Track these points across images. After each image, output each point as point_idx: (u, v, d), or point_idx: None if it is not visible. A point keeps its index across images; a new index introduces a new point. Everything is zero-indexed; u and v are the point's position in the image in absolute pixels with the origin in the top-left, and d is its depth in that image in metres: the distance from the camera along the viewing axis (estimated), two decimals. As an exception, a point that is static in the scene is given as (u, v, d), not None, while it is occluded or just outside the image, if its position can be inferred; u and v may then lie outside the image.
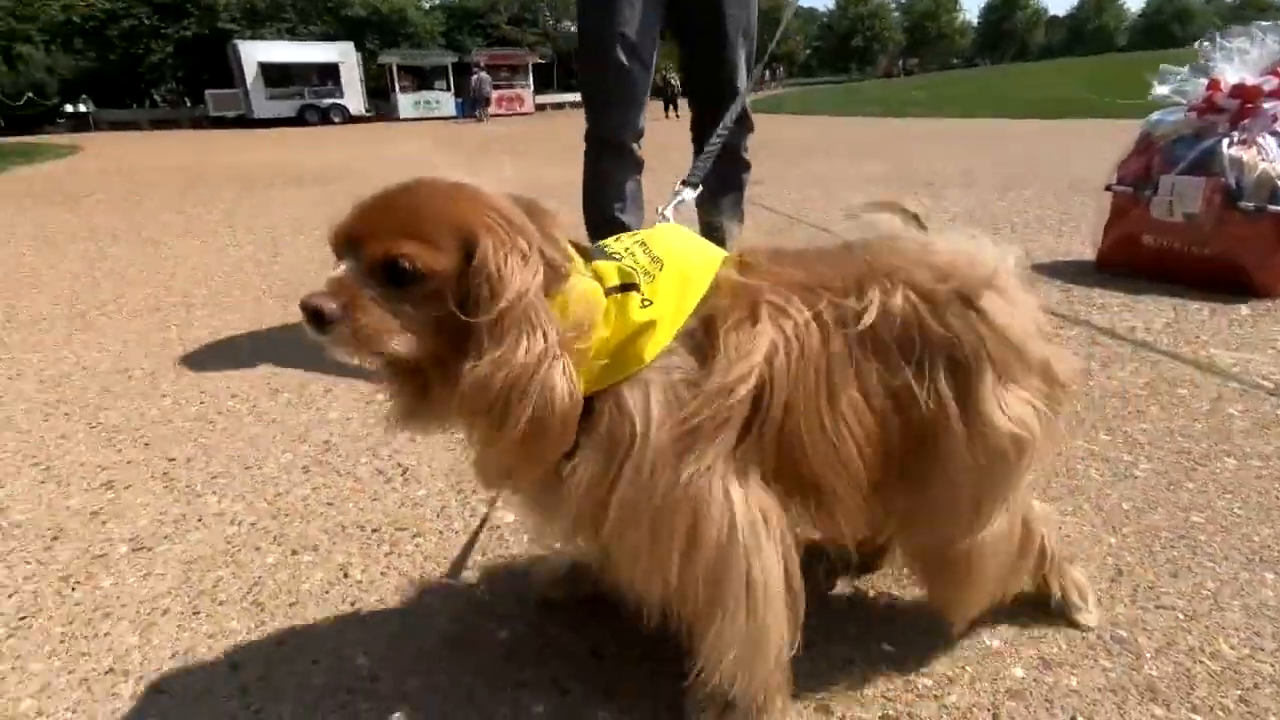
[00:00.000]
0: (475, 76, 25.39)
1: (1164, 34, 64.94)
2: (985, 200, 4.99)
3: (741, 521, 0.82)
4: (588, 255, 0.88)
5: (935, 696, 0.98)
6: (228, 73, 27.54)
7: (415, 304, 0.76)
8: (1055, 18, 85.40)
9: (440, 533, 1.37)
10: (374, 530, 1.39)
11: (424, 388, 0.83)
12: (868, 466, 0.87)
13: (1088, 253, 3.29)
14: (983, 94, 20.63)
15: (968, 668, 1.03)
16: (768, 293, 0.85)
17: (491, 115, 25.68)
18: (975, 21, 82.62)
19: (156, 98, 31.89)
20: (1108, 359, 2.15)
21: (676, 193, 1.30)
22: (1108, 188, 3.07)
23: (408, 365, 0.81)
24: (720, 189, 2.51)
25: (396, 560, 1.30)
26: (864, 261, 0.88)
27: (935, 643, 1.07)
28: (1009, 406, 0.86)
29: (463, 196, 0.79)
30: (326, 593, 1.22)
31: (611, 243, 0.93)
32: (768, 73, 57.62)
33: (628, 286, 0.85)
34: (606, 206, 2.28)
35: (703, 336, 0.84)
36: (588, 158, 2.33)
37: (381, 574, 1.27)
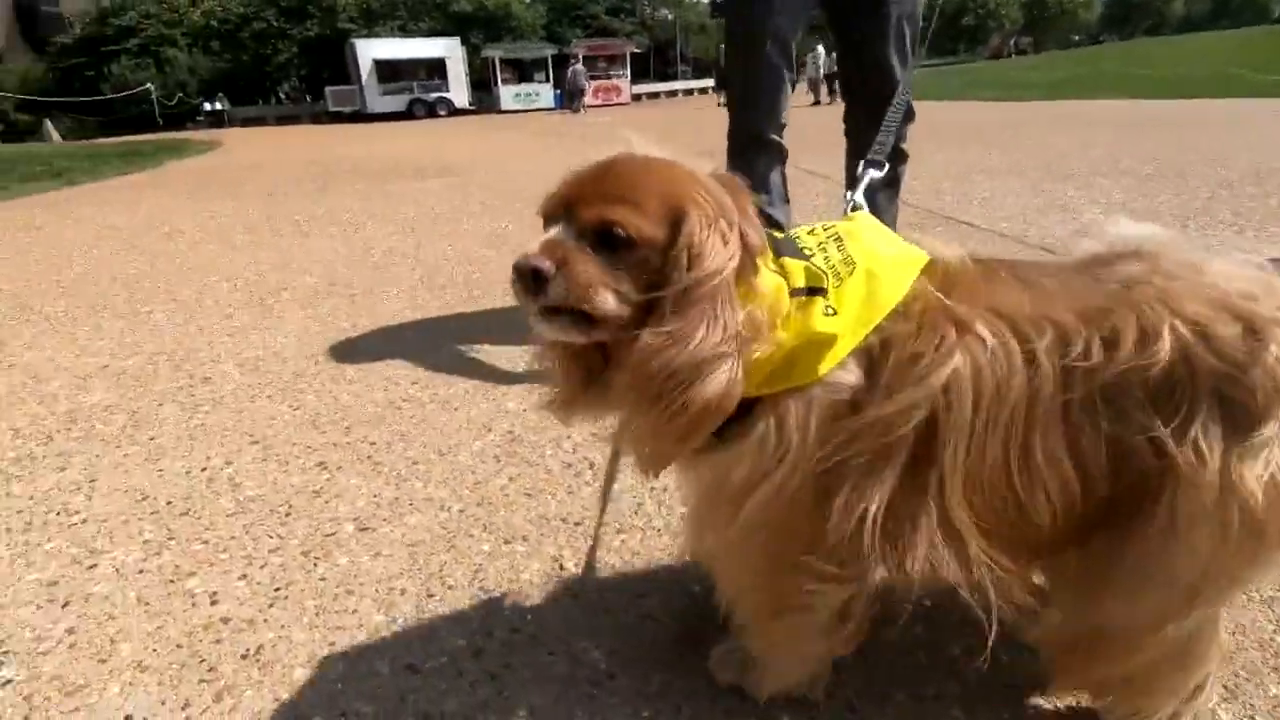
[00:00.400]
0: (571, 69, 25.77)
1: (1330, 1, 57.81)
2: (1143, 191, 4.59)
3: None
4: (777, 248, 0.84)
5: (1224, 746, 0.90)
6: (344, 70, 29.16)
7: (625, 269, 0.77)
8: (1197, -13, 77.60)
9: (643, 530, 1.39)
10: (576, 524, 1.42)
11: (590, 371, 0.83)
12: (1054, 526, 0.77)
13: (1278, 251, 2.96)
14: (1109, 73, 19.06)
15: (1257, 717, 0.94)
16: (969, 317, 0.76)
17: (589, 106, 25.97)
18: (1103, -6, 76.30)
19: (281, 95, 34.19)
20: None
21: (860, 175, 1.23)
22: (1317, 179, 2.75)
23: (579, 349, 0.83)
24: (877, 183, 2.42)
25: (605, 555, 1.33)
26: (1113, 289, 0.75)
27: (1210, 685, 0.99)
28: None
29: (675, 171, 0.80)
30: (546, 583, 1.26)
31: (805, 234, 0.88)
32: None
33: (815, 290, 0.80)
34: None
35: (879, 355, 0.77)
36: (732, 151, 2.30)
37: (592, 567, 1.30)
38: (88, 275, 3.66)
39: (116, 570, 1.34)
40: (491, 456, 1.70)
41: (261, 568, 1.33)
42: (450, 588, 1.26)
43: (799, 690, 0.97)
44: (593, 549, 1.33)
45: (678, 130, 11.64)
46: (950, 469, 0.75)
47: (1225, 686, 0.99)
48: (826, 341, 0.78)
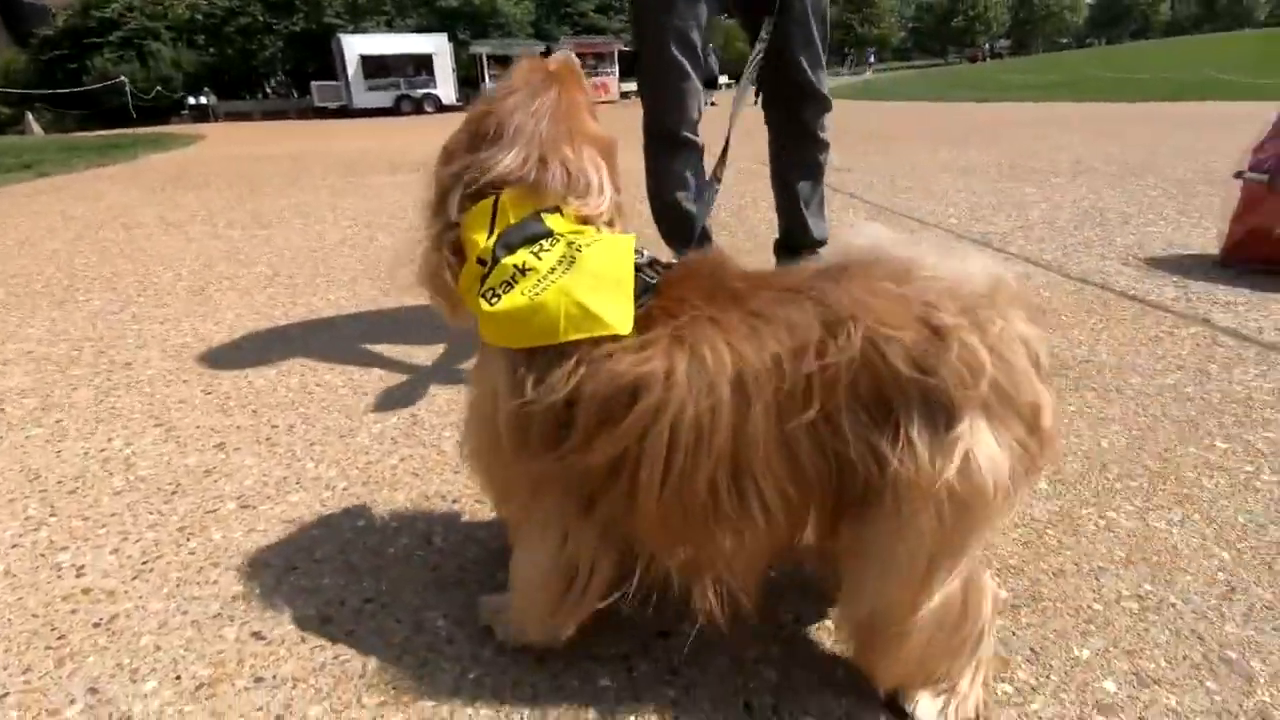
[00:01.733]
0: None
1: (1314, 6, 58.46)
2: (1096, 189, 4.66)
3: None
4: (520, 228, 0.93)
5: (1016, 705, 0.94)
6: (330, 65, 29.03)
7: None
8: (1184, -9, 78.28)
9: (517, 507, 1.42)
10: (454, 501, 1.45)
11: None
12: (787, 528, 0.85)
13: (1211, 247, 3.02)
14: (1094, 77, 19.22)
15: (1052, 676, 0.97)
16: (681, 348, 0.82)
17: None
18: (1090, -3, 76.86)
19: (267, 89, 34.00)
20: (1229, 361, 1.97)
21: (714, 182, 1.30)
22: (1238, 175, 2.81)
23: None
24: (797, 172, 2.45)
25: (477, 530, 1.35)
26: (820, 304, 0.81)
27: (1017, 650, 1.02)
28: (982, 452, 0.76)
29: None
30: (409, 558, 1.28)
31: (567, 232, 0.93)
32: (872, 56, 55.50)
33: (481, 261, 0.93)
34: (669, 196, 2.28)
35: (571, 369, 0.85)
36: (646, 151, 2.33)
37: (461, 543, 1.32)
38: (33, 265, 3.66)
39: (-10, 545, 1.35)
40: (389, 438, 1.72)
41: (135, 543, 1.35)
42: (316, 561, 1.28)
43: (544, 639, 1.00)
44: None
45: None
46: (645, 496, 0.83)
47: (1031, 649, 1.02)
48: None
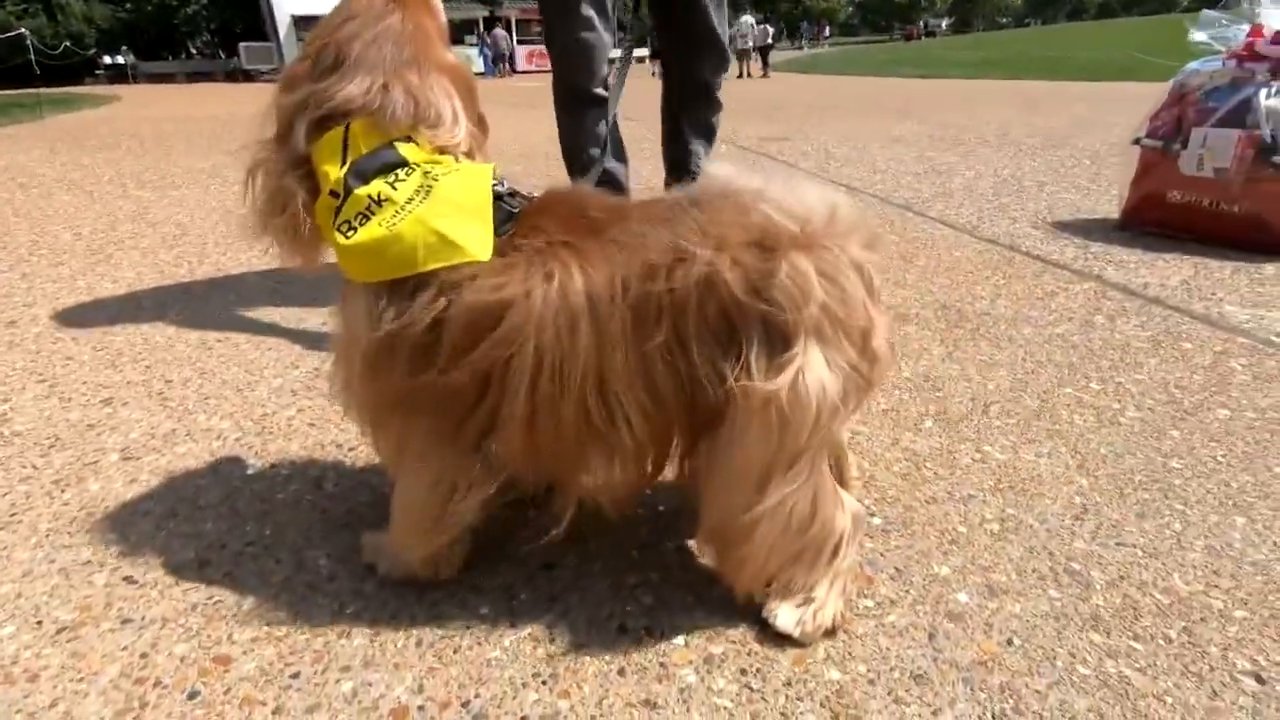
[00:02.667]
0: (492, 33, 25.28)
1: (1233, -7, 61.25)
2: (1016, 159, 4.82)
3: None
4: (365, 158, 0.91)
5: (875, 616, 0.98)
6: (262, 25, 27.51)
7: None
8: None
9: (414, 453, 1.40)
10: (350, 449, 1.43)
11: None
12: (650, 442, 0.89)
13: (1114, 212, 3.17)
14: (1028, 55, 19.77)
15: (911, 591, 1.03)
16: (545, 266, 0.84)
17: (522, 71, 25.39)
18: (1029, -21, 78.71)
19: (192, 50, 32.10)
20: (1114, 313, 2.08)
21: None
22: (1135, 141, 2.94)
23: None
24: (693, 131, 2.43)
25: (370, 476, 1.34)
26: (683, 230, 0.84)
27: (883, 569, 1.07)
28: (810, 372, 0.80)
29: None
30: (298, 502, 1.26)
31: (422, 155, 0.92)
32: (826, 29, 55.65)
33: (334, 193, 0.90)
34: (581, 152, 2.25)
35: (439, 291, 0.85)
36: (556, 107, 2.29)
37: (353, 488, 1.31)
38: (-84, 223, 3.40)
39: None
40: (289, 391, 1.68)
41: (3, 497, 1.29)
42: (199, 508, 1.25)
43: (425, 571, 1.02)
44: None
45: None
46: (508, 416, 0.85)
47: (896, 568, 1.08)
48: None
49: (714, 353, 0.82)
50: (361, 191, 0.88)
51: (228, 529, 1.19)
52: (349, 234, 0.88)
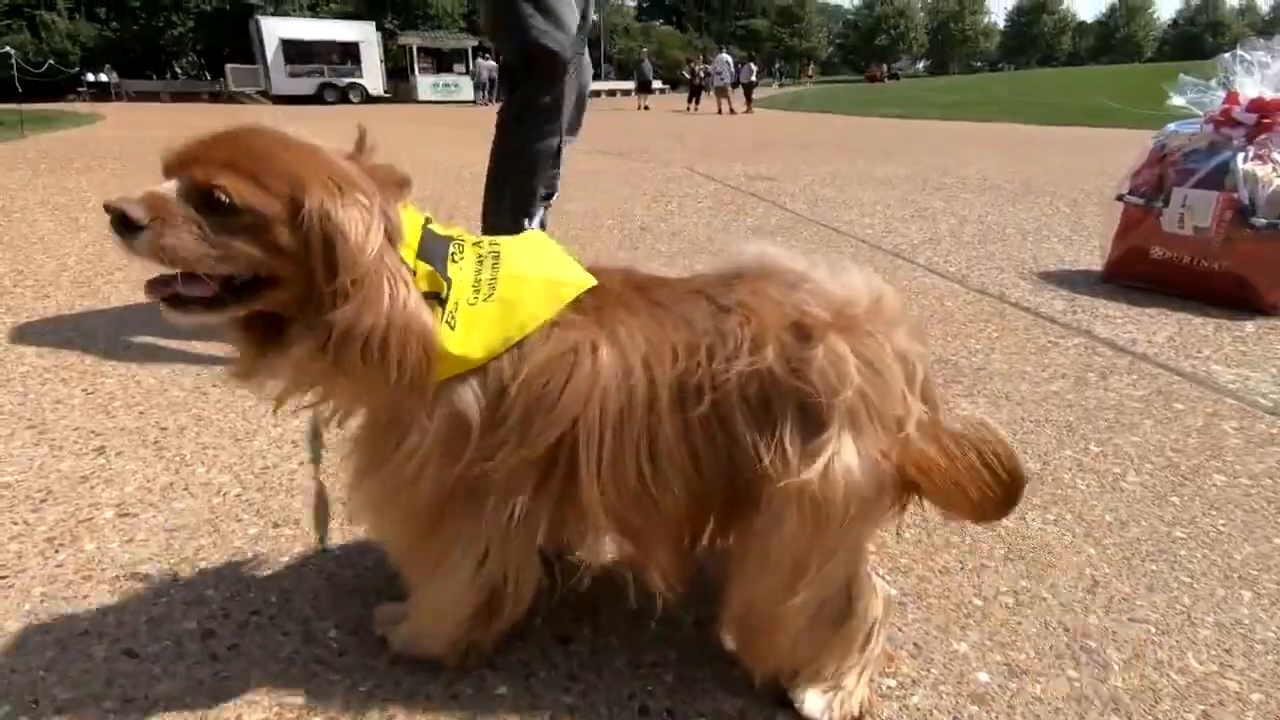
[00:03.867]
0: (477, 62, 25.72)
1: (1196, 45, 64.03)
2: (998, 205, 4.95)
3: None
4: (423, 246, 0.87)
5: (898, 698, 0.98)
6: (248, 48, 27.58)
7: (231, 234, 0.78)
8: (1084, 24, 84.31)
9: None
10: (356, 507, 1.40)
11: (264, 342, 0.85)
12: (690, 520, 0.89)
13: (1096, 263, 3.26)
14: (1001, 98, 20.43)
15: (932, 670, 1.03)
16: (600, 341, 0.83)
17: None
18: (1002, 25, 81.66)
19: (177, 70, 32.02)
20: (1105, 370, 2.13)
21: (546, 200, 1.31)
22: (1119, 198, 3.04)
23: (249, 318, 0.85)
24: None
25: (374, 538, 1.31)
26: (716, 310, 0.85)
27: (902, 644, 1.07)
28: (842, 461, 0.79)
29: (304, 148, 0.83)
30: (303, 566, 1.23)
31: (470, 244, 0.91)
32: (810, 67, 57.05)
33: (431, 296, 0.85)
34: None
35: (508, 378, 0.83)
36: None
37: (360, 552, 1.28)
38: (-107, 249, 3.32)
39: None
40: (289, 441, 1.65)
41: (-6, 555, 1.24)
42: (201, 573, 1.21)
43: (449, 659, 0.99)
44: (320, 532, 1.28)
45: (607, 129, 11.62)
46: (586, 476, 0.83)
47: (915, 644, 1.08)
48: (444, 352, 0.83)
49: (751, 428, 0.82)
50: (461, 278, 0.87)
51: (231, 595, 1.16)
52: (454, 324, 0.84)
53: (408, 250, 0.85)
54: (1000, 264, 3.39)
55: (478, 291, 0.86)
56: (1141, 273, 2.94)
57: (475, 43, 30.48)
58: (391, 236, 0.82)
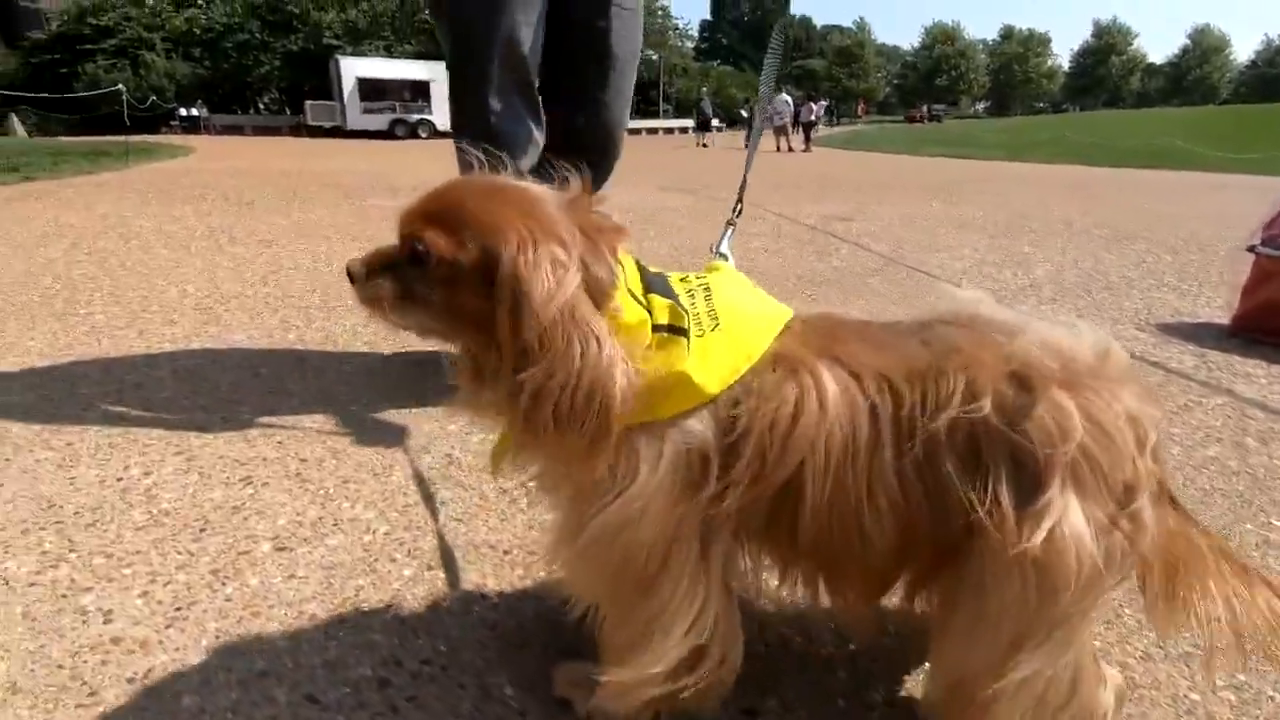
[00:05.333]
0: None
1: (1275, 87, 61.70)
2: (1092, 251, 4.77)
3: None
4: (649, 283, 0.86)
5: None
6: (326, 85, 29.13)
7: (428, 284, 0.82)
8: (1153, 65, 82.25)
9: (572, 561, 1.35)
10: (505, 552, 1.38)
11: (480, 377, 0.84)
12: (898, 563, 0.85)
13: (1218, 315, 3.09)
14: (1068, 140, 19.96)
15: (1169, 776, 0.93)
16: (822, 373, 0.81)
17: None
18: (1066, 66, 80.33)
19: (260, 105, 33.98)
20: (1265, 435, 1.98)
21: (730, 225, 1.27)
22: (1250, 249, 2.88)
23: (471, 352, 0.86)
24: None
25: (528, 584, 1.28)
26: (940, 349, 0.82)
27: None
28: (1069, 526, 0.73)
29: (497, 196, 0.82)
30: (466, 614, 1.21)
31: (676, 280, 0.90)
32: (863, 107, 57.15)
33: (676, 330, 0.83)
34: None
35: (739, 409, 0.81)
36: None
37: (516, 599, 1.25)
38: (30, 273, 3.53)
39: (5, 582, 1.25)
40: (427, 479, 1.65)
41: (165, 585, 1.26)
42: (364, 614, 1.20)
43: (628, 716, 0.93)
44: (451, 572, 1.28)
45: (672, 167, 11.81)
46: (811, 514, 0.80)
47: (1138, 743, 0.98)
48: (681, 382, 0.80)
49: (960, 475, 0.77)
50: (695, 309, 0.87)
51: (399, 642, 1.14)
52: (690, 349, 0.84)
53: (630, 291, 0.83)
54: (1113, 314, 3.24)
55: (700, 324, 0.84)
56: (1276, 328, 2.77)
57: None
58: (592, 289, 0.79)
